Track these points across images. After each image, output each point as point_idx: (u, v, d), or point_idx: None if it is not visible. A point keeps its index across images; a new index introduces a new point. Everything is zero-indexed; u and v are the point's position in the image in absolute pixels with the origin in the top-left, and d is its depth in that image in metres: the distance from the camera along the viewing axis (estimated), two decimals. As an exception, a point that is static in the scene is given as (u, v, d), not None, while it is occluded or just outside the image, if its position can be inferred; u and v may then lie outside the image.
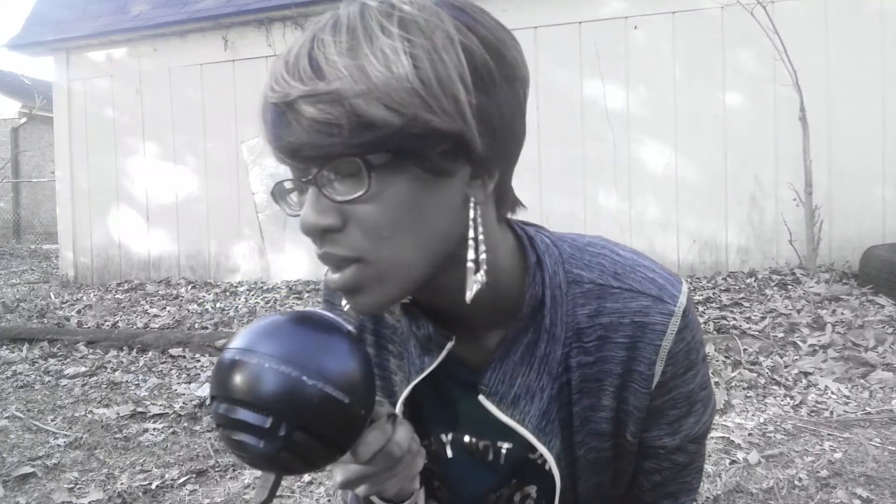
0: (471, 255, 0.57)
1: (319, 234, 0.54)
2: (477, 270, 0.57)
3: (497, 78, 0.54)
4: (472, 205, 0.57)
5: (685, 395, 0.66)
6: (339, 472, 0.60)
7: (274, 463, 0.52)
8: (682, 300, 0.64)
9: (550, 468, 0.67)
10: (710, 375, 0.76)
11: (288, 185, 0.59)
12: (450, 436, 0.72)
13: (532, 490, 0.72)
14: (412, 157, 0.51)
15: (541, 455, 0.67)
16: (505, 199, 0.62)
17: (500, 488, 0.73)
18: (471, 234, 0.57)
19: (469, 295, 0.57)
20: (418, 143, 0.51)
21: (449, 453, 0.73)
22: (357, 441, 0.56)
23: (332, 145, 0.50)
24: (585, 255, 0.66)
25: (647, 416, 0.66)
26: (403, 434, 0.60)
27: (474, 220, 0.57)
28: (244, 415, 0.51)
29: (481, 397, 0.66)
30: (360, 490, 0.61)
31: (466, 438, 0.71)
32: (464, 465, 0.72)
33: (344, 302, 0.60)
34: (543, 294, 0.64)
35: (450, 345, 0.66)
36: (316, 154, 0.51)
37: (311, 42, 0.52)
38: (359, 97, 0.49)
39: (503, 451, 0.70)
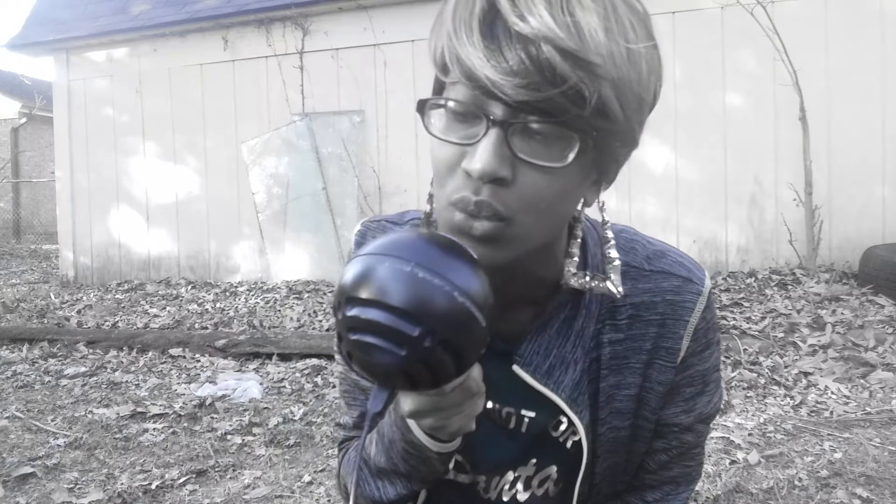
0: (612, 253, 0.64)
1: (489, 181, 0.51)
2: (608, 268, 0.64)
3: (651, 107, 0.57)
4: (594, 203, 0.62)
5: (701, 374, 0.69)
6: (410, 401, 0.58)
7: (404, 374, 0.51)
8: (707, 282, 0.69)
9: (572, 446, 0.68)
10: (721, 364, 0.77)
11: (454, 106, 0.53)
12: None
13: (552, 471, 0.72)
14: (605, 154, 0.53)
15: (563, 433, 0.68)
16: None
17: (518, 466, 0.72)
18: (608, 234, 0.65)
19: (619, 290, 0.62)
20: (621, 146, 0.54)
21: None
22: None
23: (574, 115, 0.49)
24: (620, 239, 0.69)
25: (667, 393, 0.69)
26: (478, 372, 0.59)
27: (587, 219, 0.64)
28: (393, 321, 0.49)
29: (516, 367, 0.67)
30: (428, 422, 0.60)
31: (490, 404, 0.71)
32: (484, 431, 0.71)
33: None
34: (585, 273, 0.66)
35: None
36: (551, 111, 0.48)
37: None
38: (609, 84, 0.49)
39: (525, 419, 0.70)
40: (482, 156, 0.50)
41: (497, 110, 0.50)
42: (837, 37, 4.74)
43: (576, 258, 0.64)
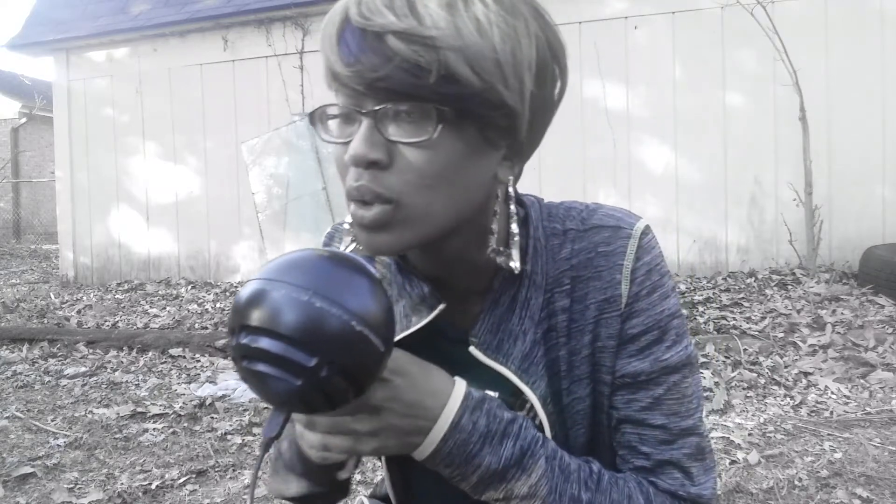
0: (514, 228, 0.64)
1: (364, 166, 0.55)
2: (510, 242, 0.64)
3: (549, 76, 0.60)
4: (510, 181, 0.63)
5: (655, 320, 0.67)
6: (318, 425, 0.58)
7: (299, 401, 0.51)
8: (640, 225, 0.68)
9: (539, 423, 0.67)
10: (684, 315, 0.75)
11: (333, 111, 0.59)
12: None
13: None
14: (476, 121, 0.55)
15: (530, 408, 0.68)
16: (516, 184, 0.68)
17: None
18: (511, 208, 0.65)
19: (516, 265, 0.63)
20: (487, 110, 0.54)
21: None
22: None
23: (417, 87, 0.52)
24: (561, 210, 0.72)
25: (619, 346, 0.67)
26: (385, 391, 0.59)
27: (504, 196, 0.63)
28: (289, 351, 0.48)
29: (472, 348, 0.68)
30: (339, 445, 0.59)
31: None
32: None
33: (348, 242, 0.62)
34: (528, 245, 0.68)
35: (441, 307, 0.68)
36: (396, 89, 0.52)
37: None
38: (451, 51, 0.51)
39: None
40: (353, 144, 0.55)
41: (368, 104, 0.54)
42: (837, 37, 4.74)
43: (495, 234, 0.64)
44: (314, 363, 0.48)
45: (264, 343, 0.49)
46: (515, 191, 0.68)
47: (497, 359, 0.67)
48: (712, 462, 0.69)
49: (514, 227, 0.64)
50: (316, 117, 0.59)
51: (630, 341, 0.67)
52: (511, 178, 0.63)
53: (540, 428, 0.67)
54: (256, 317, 0.49)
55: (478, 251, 0.65)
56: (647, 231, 0.68)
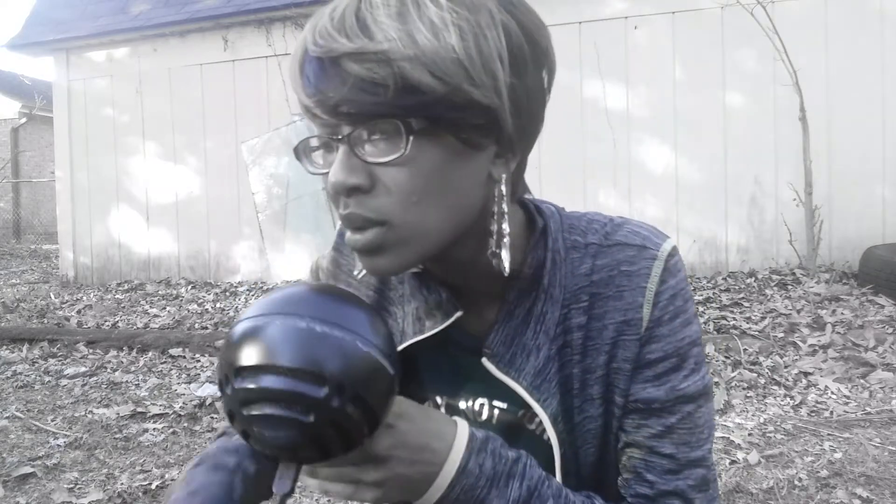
0: (506, 227, 0.60)
1: (346, 193, 0.54)
2: (500, 244, 0.60)
3: (529, 62, 0.57)
4: (502, 179, 0.59)
5: (675, 347, 0.64)
6: (319, 472, 0.56)
7: (311, 443, 0.45)
8: (666, 246, 0.65)
9: (547, 438, 0.66)
10: (703, 343, 0.72)
11: (314, 142, 0.58)
12: (444, 399, 0.72)
13: None
14: (449, 127, 0.53)
15: (539, 423, 0.66)
16: (519, 181, 0.66)
17: None
18: (504, 207, 0.60)
19: (506, 266, 0.59)
20: (457, 113, 0.52)
21: None
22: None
23: (377, 104, 0.51)
24: (583, 222, 0.69)
25: (634, 369, 0.65)
26: (390, 439, 0.57)
27: (499, 195, 0.60)
28: (289, 384, 0.43)
29: (484, 360, 0.66)
30: (340, 493, 0.58)
31: (462, 404, 0.70)
32: None
33: (357, 264, 0.60)
34: (545, 257, 0.66)
35: (458, 314, 0.66)
36: (357, 111, 0.51)
37: (357, 1, 0.52)
38: (406, 61, 0.50)
39: (496, 410, 0.69)
40: (332, 172, 0.54)
41: (342, 130, 0.53)
42: (837, 37, 4.74)
43: (493, 236, 0.61)
44: (324, 393, 0.44)
45: (266, 382, 0.44)
46: (517, 187, 0.66)
47: (509, 373, 0.65)
48: (716, 492, 0.68)
49: (505, 227, 0.60)
50: (300, 151, 0.59)
51: (647, 366, 0.65)
52: (504, 175, 0.60)
53: (550, 453, 0.66)
54: (253, 355, 0.45)
55: (480, 256, 0.63)
56: (673, 253, 0.66)
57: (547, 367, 0.65)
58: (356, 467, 0.55)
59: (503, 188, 0.60)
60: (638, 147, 5.24)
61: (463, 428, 0.59)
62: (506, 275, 0.60)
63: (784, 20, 4.64)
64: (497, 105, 0.54)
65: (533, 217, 0.69)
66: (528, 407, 0.66)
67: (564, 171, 5.33)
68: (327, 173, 0.56)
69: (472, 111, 0.53)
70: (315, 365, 0.44)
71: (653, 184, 5.20)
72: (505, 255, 0.60)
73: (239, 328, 0.47)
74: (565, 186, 5.34)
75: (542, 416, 0.65)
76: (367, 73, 0.50)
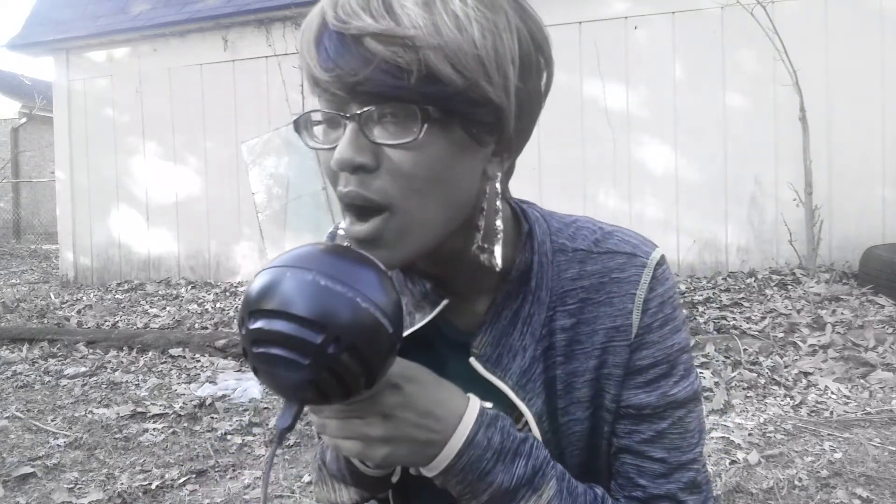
0: (500, 224, 0.62)
1: (351, 171, 0.54)
2: (493, 240, 0.61)
3: (534, 68, 0.59)
4: (497, 176, 0.61)
5: (665, 354, 0.66)
6: (328, 427, 0.59)
7: (310, 384, 0.50)
8: (655, 255, 0.67)
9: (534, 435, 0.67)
10: (692, 349, 0.73)
11: (317, 116, 0.58)
12: None
13: None
14: (461, 120, 0.54)
15: (525, 424, 0.67)
16: (508, 180, 0.67)
17: None
18: (498, 204, 0.62)
19: (497, 261, 0.61)
20: (471, 107, 0.54)
21: None
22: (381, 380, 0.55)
23: (398, 88, 0.51)
24: (571, 227, 0.71)
25: (625, 375, 0.66)
26: (397, 398, 0.60)
27: (491, 192, 0.61)
28: (296, 330, 0.49)
29: (472, 360, 0.67)
30: (350, 450, 0.60)
31: None
32: None
33: None
34: (532, 260, 0.67)
35: (444, 302, 0.68)
36: (378, 92, 0.52)
37: None
38: (431, 50, 0.51)
39: None
40: (339, 148, 0.54)
41: (352, 108, 0.54)
42: (837, 37, 4.74)
43: (481, 231, 0.63)
44: (321, 340, 0.48)
45: (272, 324, 0.50)
46: (504, 187, 0.67)
47: (496, 373, 0.67)
48: (709, 493, 0.69)
49: (499, 224, 0.62)
50: (301, 124, 0.59)
51: (637, 373, 0.66)
52: (500, 173, 0.61)
53: None
54: (263, 300, 0.50)
55: (469, 250, 0.64)
56: (661, 261, 0.67)
57: (532, 367, 0.67)
58: (363, 420, 0.57)
59: (498, 186, 0.61)
60: (638, 147, 5.24)
61: (475, 402, 0.61)
62: (497, 270, 0.62)
63: (784, 20, 4.64)
64: (506, 105, 0.55)
65: (518, 217, 0.70)
66: (514, 408, 0.67)
67: (564, 171, 5.33)
68: (327, 149, 0.57)
69: (484, 108, 0.54)
70: (313, 313, 0.49)
71: (653, 184, 5.20)
72: (497, 251, 0.62)
73: (259, 277, 0.52)
74: (565, 186, 5.34)
75: (528, 414, 0.66)
76: (392, 56, 0.50)
